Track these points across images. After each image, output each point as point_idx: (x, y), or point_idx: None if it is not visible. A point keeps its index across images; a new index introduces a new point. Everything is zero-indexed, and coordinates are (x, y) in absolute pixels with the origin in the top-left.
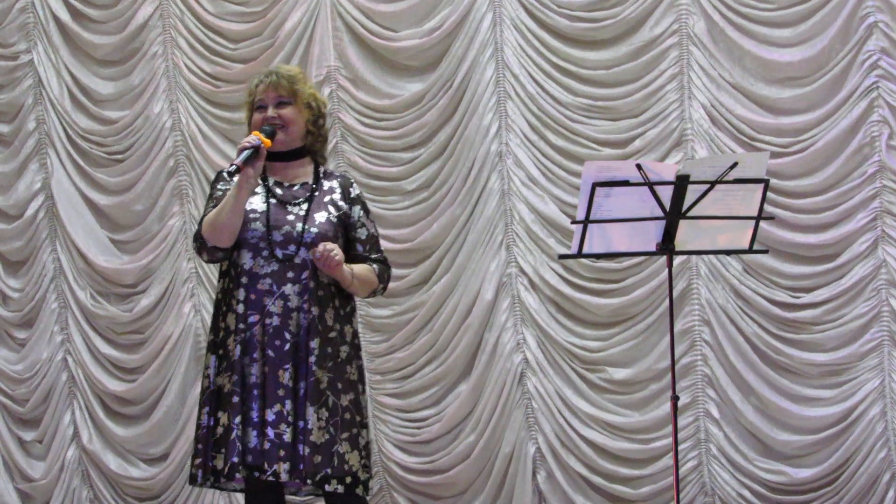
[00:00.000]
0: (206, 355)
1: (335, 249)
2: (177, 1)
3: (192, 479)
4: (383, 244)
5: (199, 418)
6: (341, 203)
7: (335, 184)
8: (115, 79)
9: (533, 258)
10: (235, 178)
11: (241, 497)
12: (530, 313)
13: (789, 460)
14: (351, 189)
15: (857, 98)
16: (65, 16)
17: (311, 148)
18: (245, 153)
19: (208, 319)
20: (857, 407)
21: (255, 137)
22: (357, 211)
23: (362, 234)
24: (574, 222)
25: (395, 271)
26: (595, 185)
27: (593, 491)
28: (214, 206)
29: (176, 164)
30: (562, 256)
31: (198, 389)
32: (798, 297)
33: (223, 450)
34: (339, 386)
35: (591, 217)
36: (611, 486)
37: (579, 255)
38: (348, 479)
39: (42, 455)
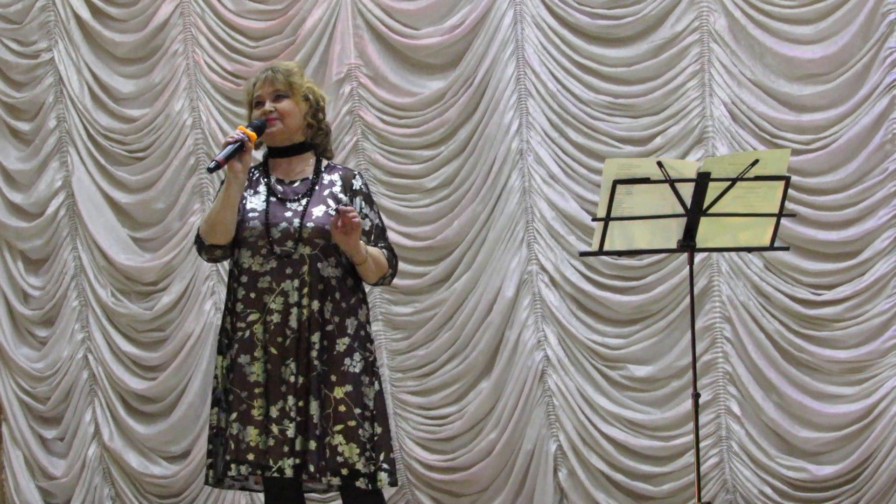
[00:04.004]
0: (217, 356)
1: (357, 215)
2: None
3: (206, 479)
4: (404, 241)
5: (209, 419)
6: (341, 195)
7: (336, 177)
8: (136, 77)
9: (554, 255)
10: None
11: (262, 497)
12: (551, 311)
13: (811, 457)
14: (353, 181)
15: (879, 95)
16: (85, 14)
17: (313, 142)
18: (228, 149)
19: None
20: (879, 404)
21: (240, 132)
22: (358, 202)
23: (365, 224)
24: (595, 219)
25: (416, 269)
26: (616, 183)
27: (615, 488)
28: None
29: (196, 162)
30: (583, 254)
31: None
32: (819, 294)
33: (221, 448)
34: (333, 378)
35: (612, 214)
36: (632, 483)
37: (600, 252)
38: (344, 472)
39: (63, 453)
